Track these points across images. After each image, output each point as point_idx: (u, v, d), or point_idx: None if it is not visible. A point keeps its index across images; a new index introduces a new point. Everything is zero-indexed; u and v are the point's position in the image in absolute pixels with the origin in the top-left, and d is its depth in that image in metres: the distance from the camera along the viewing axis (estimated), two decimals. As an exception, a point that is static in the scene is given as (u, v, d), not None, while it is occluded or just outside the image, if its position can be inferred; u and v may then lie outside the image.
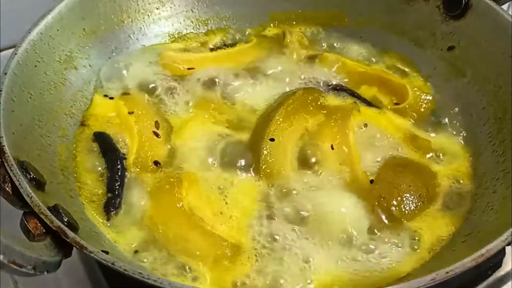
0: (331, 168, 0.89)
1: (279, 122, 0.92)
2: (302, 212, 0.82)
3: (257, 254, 0.79)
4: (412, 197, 0.84)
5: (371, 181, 0.86)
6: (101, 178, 0.88)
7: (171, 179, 0.85)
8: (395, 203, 0.83)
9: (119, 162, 0.89)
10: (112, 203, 0.84)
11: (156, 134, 0.94)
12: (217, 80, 1.04)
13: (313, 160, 0.90)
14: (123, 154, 0.91)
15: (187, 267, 0.77)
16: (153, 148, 0.92)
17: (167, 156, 0.91)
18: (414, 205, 0.84)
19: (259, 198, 0.85)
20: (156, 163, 0.90)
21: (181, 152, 0.92)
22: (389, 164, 0.89)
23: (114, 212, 0.84)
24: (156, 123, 0.96)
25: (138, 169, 0.89)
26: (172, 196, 0.83)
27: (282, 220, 0.82)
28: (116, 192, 0.86)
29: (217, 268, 0.77)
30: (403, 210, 0.83)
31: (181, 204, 0.82)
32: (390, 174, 0.87)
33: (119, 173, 0.88)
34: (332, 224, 0.81)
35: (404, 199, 0.84)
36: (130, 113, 0.96)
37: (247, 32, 1.18)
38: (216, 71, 1.06)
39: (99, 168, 0.90)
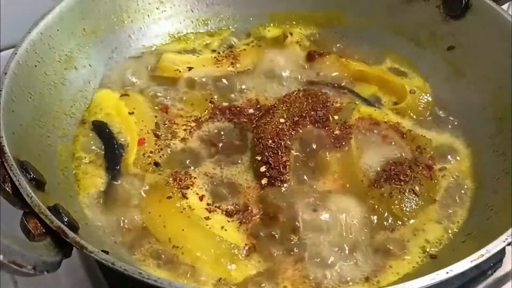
0: (332, 169, 0.89)
1: (279, 124, 0.92)
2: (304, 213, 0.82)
3: (259, 255, 0.79)
4: (412, 196, 0.85)
5: (372, 181, 0.86)
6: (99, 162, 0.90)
7: (171, 178, 0.85)
8: (395, 202, 0.83)
9: (115, 143, 0.92)
10: (114, 161, 0.89)
11: (156, 135, 0.94)
12: (216, 81, 1.05)
13: (314, 161, 0.90)
14: (120, 144, 0.92)
15: (187, 267, 0.77)
16: (153, 149, 0.92)
17: (167, 156, 0.91)
18: (415, 204, 0.84)
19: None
20: (156, 164, 0.90)
21: (181, 153, 0.92)
22: (390, 164, 0.89)
23: (116, 171, 0.87)
24: (156, 124, 0.96)
25: (138, 170, 0.89)
26: (171, 195, 0.83)
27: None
28: (116, 159, 0.90)
29: (217, 268, 0.77)
30: (404, 209, 0.83)
31: (180, 204, 0.82)
32: (390, 174, 0.87)
33: (116, 146, 0.91)
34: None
35: (405, 198, 0.84)
36: (131, 113, 0.96)
37: (247, 32, 1.18)
38: (216, 72, 1.06)
39: (93, 147, 0.92)
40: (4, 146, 0.73)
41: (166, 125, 0.96)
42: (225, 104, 1.00)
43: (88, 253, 0.64)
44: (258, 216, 0.83)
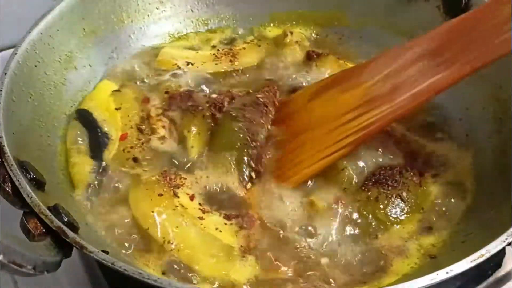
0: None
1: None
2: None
3: (253, 255, 0.79)
4: (398, 201, 0.84)
5: (360, 184, 0.86)
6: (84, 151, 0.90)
7: (161, 177, 0.85)
8: (381, 206, 0.83)
9: (99, 132, 0.92)
10: (98, 148, 0.90)
11: (140, 130, 0.93)
12: (216, 80, 1.05)
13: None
14: (105, 133, 0.93)
15: (182, 267, 0.76)
16: (134, 144, 0.91)
17: (148, 153, 0.91)
18: (400, 210, 0.84)
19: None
20: (135, 159, 0.89)
21: (161, 151, 0.92)
22: (380, 168, 0.88)
23: (101, 158, 0.88)
24: (142, 118, 0.95)
25: (115, 165, 0.89)
26: (163, 192, 0.82)
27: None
28: (100, 146, 0.90)
29: (212, 268, 0.76)
30: (389, 214, 0.83)
31: (173, 202, 0.81)
32: (379, 178, 0.86)
33: (99, 134, 0.92)
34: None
35: (390, 203, 0.83)
36: (117, 109, 0.96)
37: (247, 32, 1.18)
38: (215, 70, 1.06)
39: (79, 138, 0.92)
40: (4, 146, 0.73)
41: (148, 119, 0.95)
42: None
43: (88, 253, 0.64)
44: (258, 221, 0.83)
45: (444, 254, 0.79)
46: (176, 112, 0.95)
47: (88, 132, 0.93)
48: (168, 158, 0.90)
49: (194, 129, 0.92)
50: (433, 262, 0.79)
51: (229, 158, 0.88)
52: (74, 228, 0.71)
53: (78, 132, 0.92)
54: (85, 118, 0.95)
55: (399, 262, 0.79)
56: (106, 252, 0.66)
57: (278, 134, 0.91)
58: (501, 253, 0.84)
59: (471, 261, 0.64)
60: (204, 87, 1.02)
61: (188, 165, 0.89)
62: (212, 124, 0.93)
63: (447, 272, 0.63)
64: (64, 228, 0.66)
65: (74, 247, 0.66)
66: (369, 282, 0.77)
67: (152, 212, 0.80)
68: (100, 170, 0.88)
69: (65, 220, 0.70)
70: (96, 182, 0.87)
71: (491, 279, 0.85)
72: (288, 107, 0.95)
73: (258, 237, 0.81)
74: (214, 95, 0.98)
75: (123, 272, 0.62)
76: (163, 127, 0.94)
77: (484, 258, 0.65)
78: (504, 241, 0.66)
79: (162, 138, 0.93)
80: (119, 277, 0.62)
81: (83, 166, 0.88)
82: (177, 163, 0.90)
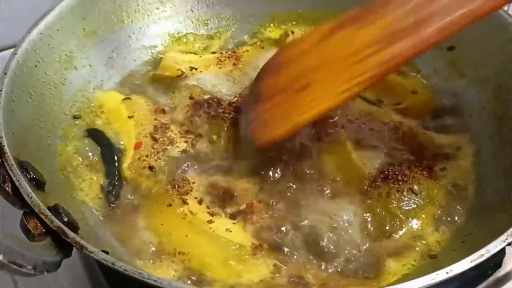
0: (329, 170, 0.89)
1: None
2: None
3: (267, 252, 0.79)
4: (411, 195, 0.84)
5: (370, 181, 0.86)
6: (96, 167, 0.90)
7: (169, 186, 0.85)
8: (393, 201, 0.83)
9: (115, 156, 0.90)
10: (112, 193, 0.86)
11: (155, 139, 0.93)
12: (218, 82, 1.04)
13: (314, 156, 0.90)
14: (118, 148, 0.92)
15: (196, 273, 0.76)
16: (150, 153, 0.91)
17: (164, 161, 0.90)
18: (413, 203, 0.84)
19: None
20: (151, 168, 0.89)
21: (178, 158, 0.91)
22: (388, 164, 0.88)
23: (114, 202, 0.85)
24: (155, 127, 0.95)
25: (132, 173, 0.88)
26: (171, 202, 0.82)
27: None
28: (115, 183, 0.87)
29: (227, 271, 0.76)
30: (402, 207, 0.83)
31: (181, 210, 0.81)
32: (388, 174, 0.86)
33: (116, 164, 0.89)
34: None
35: (403, 197, 0.84)
36: (130, 117, 0.96)
37: (247, 33, 1.18)
38: (217, 73, 1.06)
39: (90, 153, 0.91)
40: (4, 146, 0.73)
41: (163, 129, 0.95)
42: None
43: (88, 253, 0.64)
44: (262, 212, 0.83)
45: (444, 254, 0.79)
46: (201, 118, 0.95)
47: (101, 149, 0.92)
48: (184, 166, 0.90)
49: (224, 134, 0.92)
50: (433, 262, 0.79)
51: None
52: (74, 228, 0.71)
53: (87, 148, 0.91)
54: (96, 137, 0.93)
55: (398, 262, 0.79)
56: (106, 252, 0.66)
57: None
58: (501, 253, 0.85)
59: (471, 261, 0.64)
60: (222, 90, 1.02)
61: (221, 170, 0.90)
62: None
63: (447, 272, 0.63)
64: (64, 228, 0.66)
65: (74, 247, 0.65)
66: (368, 282, 0.77)
67: (162, 224, 0.80)
68: (114, 185, 0.87)
69: (65, 220, 0.70)
70: (109, 198, 0.86)
71: (491, 279, 0.85)
72: (295, 49, 0.90)
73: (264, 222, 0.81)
74: (235, 98, 0.98)
75: (123, 272, 0.62)
76: (185, 142, 0.93)
77: (484, 258, 0.65)
78: (504, 241, 0.66)
79: (184, 151, 0.92)
80: (119, 277, 0.62)
81: (96, 181, 0.88)
82: (189, 166, 0.90)
